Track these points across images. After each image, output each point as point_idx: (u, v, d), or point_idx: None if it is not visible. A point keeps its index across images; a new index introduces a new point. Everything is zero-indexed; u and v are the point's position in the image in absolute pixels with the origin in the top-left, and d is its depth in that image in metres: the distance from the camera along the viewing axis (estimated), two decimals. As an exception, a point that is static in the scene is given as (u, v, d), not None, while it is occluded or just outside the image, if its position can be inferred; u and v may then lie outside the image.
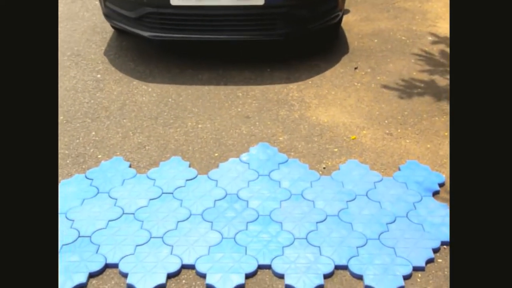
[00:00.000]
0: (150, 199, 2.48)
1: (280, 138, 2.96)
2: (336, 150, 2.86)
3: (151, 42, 4.00)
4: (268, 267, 2.13)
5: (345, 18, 4.40)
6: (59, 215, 2.38)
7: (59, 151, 2.84)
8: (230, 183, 2.58)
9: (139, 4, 3.47)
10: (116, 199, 2.48)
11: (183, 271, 2.12)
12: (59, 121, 3.12)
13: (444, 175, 2.64)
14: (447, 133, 3.00)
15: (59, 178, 2.63)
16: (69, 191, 2.52)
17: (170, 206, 2.43)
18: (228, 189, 2.54)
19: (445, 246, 2.23)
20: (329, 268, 2.11)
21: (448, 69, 3.71)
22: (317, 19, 3.63)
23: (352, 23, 4.46)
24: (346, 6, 4.47)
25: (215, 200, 2.47)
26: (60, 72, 3.68)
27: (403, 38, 4.20)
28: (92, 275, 2.10)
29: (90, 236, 2.26)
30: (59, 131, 3.02)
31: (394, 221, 2.35)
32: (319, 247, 2.21)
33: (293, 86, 3.50)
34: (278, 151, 2.84)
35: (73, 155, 2.82)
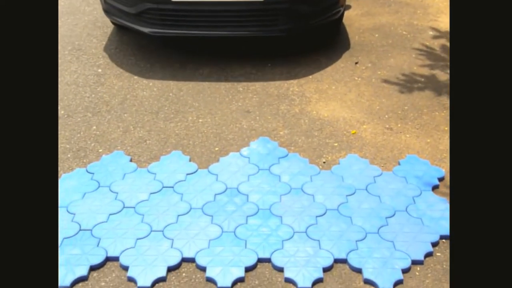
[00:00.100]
0: (151, 193, 2.49)
1: (281, 133, 2.97)
2: (336, 144, 2.87)
3: (151, 38, 4.00)
4: (268, 260, 2.14)
5: (346, 13, 4.39)
6: (60, 208, 2.39)
7: (60, 145, 2.86)
8: (230, 177, 2.59)
9: (139, 0, 3.46)
10: (117, 193, 2.49)
11: (183, 264, 2.14)
12: (60, 115, 3.13)
13: (443, 170, 2.65)
14: (447, 128, 3.00)
15: (60, 172, 2.64)
16: (70, 185, 2.54)
17: (170, 200, 2.45)
18: (228, 183, 2.55)
19: (444, 240, 2.25)
20: (328, 262, 2.12)
21: (449, 63, 3.71)
22: (319, 15, 3.62)
23: (353, 17, 4.45)
24: (347, 2, 4.47)
25: (215, 194, 2.48)
26: (61, 66, 3.69)
27: (404, 32, 4.20)
28: (93, 268, 2.11)
29: (91, 230, 2.28)
30: (60, 126, 3.03)
31: (394, 215, 2.36)
32: (318, 240, 2.22)
33: (293, 80, 3.50)
34: (279, 145, 2.85)
35: (74, 149, 2.83)
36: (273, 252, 2.16)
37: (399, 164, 2.70)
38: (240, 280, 2.06)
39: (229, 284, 2.03)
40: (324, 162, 2.73)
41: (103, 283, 2.06)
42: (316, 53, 3.85)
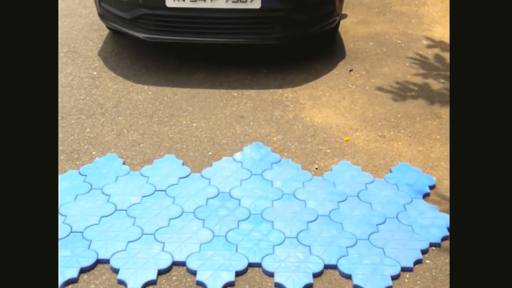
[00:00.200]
0: (143, 196, 2.50)
1: (274, 138, 2.98)
2: (329, 151, 2.88)
3: (146, 44, 4.02)
4: (259, 265, 2.15)
5: (342, 21, 4.43)
6: (52, 210, 2.39)
7: (53, 147, 2.86)
8: (223, 181, 2.60)
9: (134, 5, 3.44)
10: (109, 195, 2.49)
11: (174, 267, 2.14)
12: (54, 117, 3.13)
13: (434, 178, 2.67)
14: (439, 136, 3.03)
15: (53, 173, 2.65)
16: (62, 186, 2.54)
17: (162, 204, 2.45)
18: (220, 187, 2.56)
19: (433, 248, 2.26)
20: (318, 267, 2.13)
21: (442, 73, 3.74)
22: (314, 24, 3.61)
23: (348, 25, 4.48)
24: (343, 11, 4.50)
25: (208, 198, 2.49)
26: (57, 68, 3.69)
27: (399, 41, 4.24)
28: (83, 270, 2.11)
29: (82, 232, 2.28)
30: (54, 127, 3.03)
31: (384, 222, 2.38)
32: (309, 246, 2.23)
33: (288, 87, 3.52)
34: (272, 151, 2.86)
35: (68, 151, 2.83)
36: (263, 257, 2.17)
37: (391, 171, 2.72)
38: (230, 284, 2.07)
39: (219, 288, 2.04)
40: (316, 168, 2.74)
41: (93, 286, 2.06)
42: (311, 60, 3.87)
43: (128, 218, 2.36)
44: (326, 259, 2.17)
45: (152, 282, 2.07)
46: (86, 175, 2.62)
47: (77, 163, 2.74)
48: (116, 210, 2.41)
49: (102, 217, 2.36)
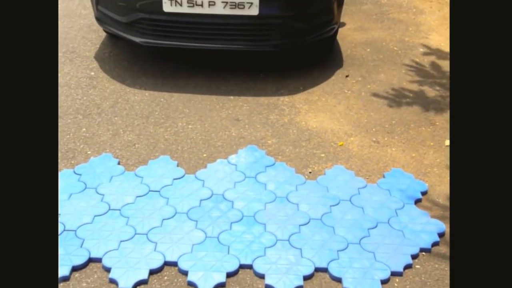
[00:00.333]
0: (137, 196, 2.51)
1: (269, 142, 3.00)
2: (323, 155, 2.90)
3: (143, 47, 4.03)
4: (250, 267, 2.16)
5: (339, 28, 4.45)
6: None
7: (49, 145, 2.87)
8: (217, 183, 2.62)
9: (131, 9, 3.41)
10: (103, 195, 2.51)
11: (166, 267, 2.15)
12: (51, 116, 3.15)
13: (427, 184, 2.69)
14: (433, 143, 3.05)
15: (48, 172, 2.66)
16: (57, 185, 2.55)
17: (156, 204, 2.47)
18: (214, 189, 2.58)
19: (423, 253, 2.28)
20: (309, 270, 2.14)
21: (438, 80, 3.77)
22: (313, 32, 3.59)
23: (345, 32, 4.51)
24: (341, 18, 4.53)
25: (201, 200, 2.51)
26: (55, 68, 3.71)
27: (395, 48, 4.27)
28: (75, 269, 2.12)
29: (75, 230, 2.29)
30: (50, 126, 3.04)
31: (376, 226, 2.39)
32: (300, 249, 2.25)
33: (284, 91, 3.54)
34: (266, 154, 2.88)
35: (63, 150, 2.85)
36: (255, 259, 2.18)
37: (383, 176, 2.74)
38: (221, 285, 2.08)
39: (210, 289, 2.05)
40: (310, 172, 2.76)
41: (84, 284, 2.07)
42: (308, 65, 3.89)
43: (121, 218, 2.37)
44: (317, 262, 2.18)
45: (144, 282, 2.08)
46: (80, 174, 2.64)
47: (72, 162, 2.75)
48: (109, 209, 2.42)
49: (95, 216, 2.38)
